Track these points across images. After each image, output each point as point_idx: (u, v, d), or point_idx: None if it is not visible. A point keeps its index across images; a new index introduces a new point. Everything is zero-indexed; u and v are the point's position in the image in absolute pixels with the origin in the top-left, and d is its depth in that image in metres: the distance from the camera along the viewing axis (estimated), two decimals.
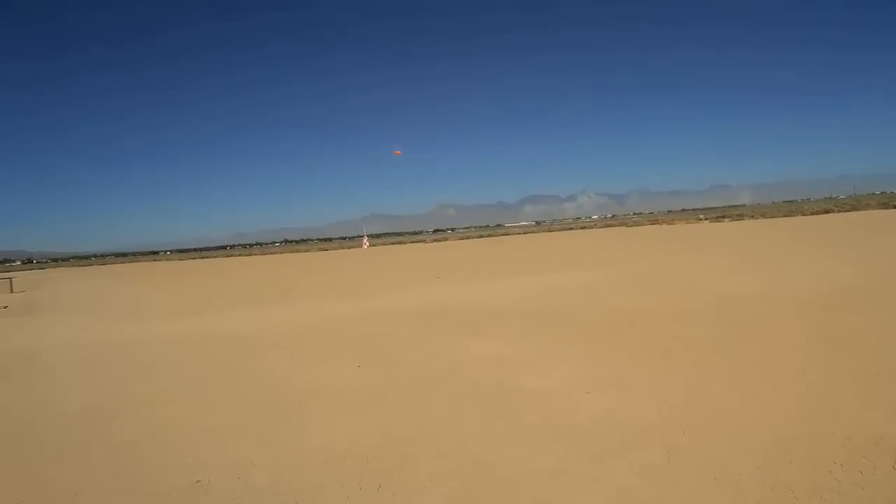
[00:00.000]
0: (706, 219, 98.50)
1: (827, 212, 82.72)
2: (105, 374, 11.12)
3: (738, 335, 10.20)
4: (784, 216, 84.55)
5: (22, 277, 68.68)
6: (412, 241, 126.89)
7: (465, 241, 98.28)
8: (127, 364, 11.96)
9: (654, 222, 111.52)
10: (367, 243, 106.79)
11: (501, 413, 7.04)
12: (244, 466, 5.97)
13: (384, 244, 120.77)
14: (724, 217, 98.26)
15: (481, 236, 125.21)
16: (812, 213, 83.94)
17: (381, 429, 6.78)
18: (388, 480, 5.41)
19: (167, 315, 20.85)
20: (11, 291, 42.37)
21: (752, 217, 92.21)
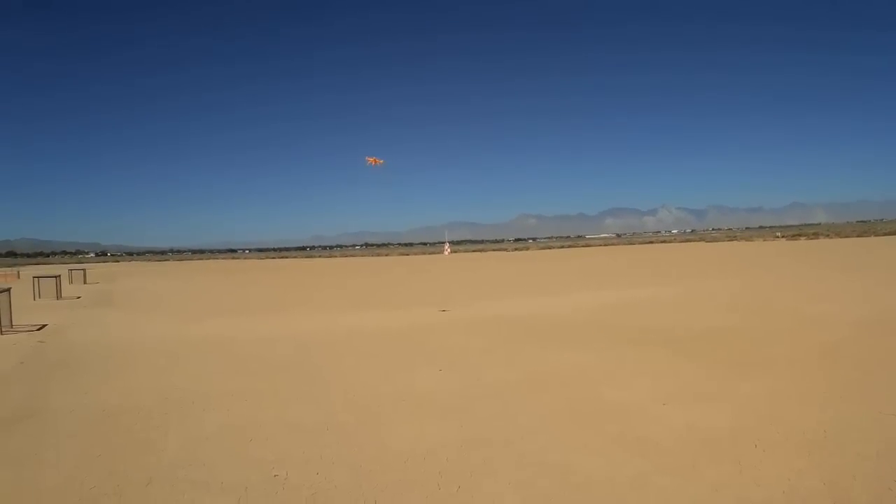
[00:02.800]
0: (783, 236, 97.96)
1: None
2: (181, 369, 11.34)
3: (813, 355, 10.01)
4: (858, 236, 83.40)
5: (95, 270, 71.93)
6: (493, 249, 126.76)
7: (547, 252, 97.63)
8: (204, 360, 12.20)
9: (732, 238, 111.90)
10: (449, 250, 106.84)
11: (581, 423, 7.02)
12: (324, 463, 6.05)
13: (465, 251, 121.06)
14: (800, 235, 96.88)
15: (562, 247, 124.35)
16: (885, 234, 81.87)
17: (462, 433, 6.80)
18: (467, 483, 5.44)
19: (243, 313, 21.32)
20: (85, 283, 45.00)
21: (828, 236, 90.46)
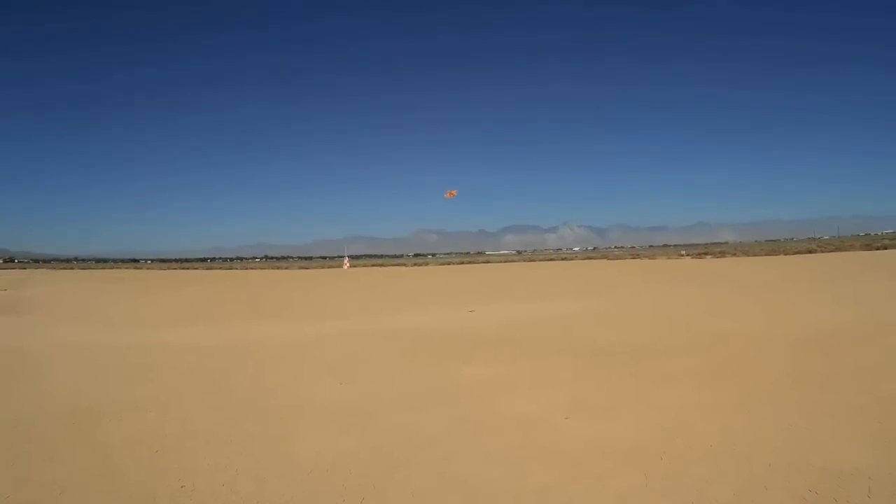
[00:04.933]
0: (688, 255, 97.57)
1: (810, 251, 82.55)
2: (91, 376, 11.16)
3: (721, 369, 10.31)
4: (766, 255, 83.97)
5: (3, 276, 69.58)
6: (393, 264, 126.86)
7: (446, 267, 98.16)
8: (114, 368, 12.04)
9: (636, 256, 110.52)
10: (348, 264, 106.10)
11: (486, 434, 7.14)
12: (230, 473, 6.03)
13: (364, 265, 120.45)
14: (706, 254, 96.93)
15: (462, 262, 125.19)
16: (795, 253, 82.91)
17: (365, 445, 6.85)
18: (371, 494, 5.49)
19: (153, 323, 20.85)
20: None
21: (734, 255, 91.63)
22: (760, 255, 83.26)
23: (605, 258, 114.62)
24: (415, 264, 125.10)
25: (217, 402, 9.02)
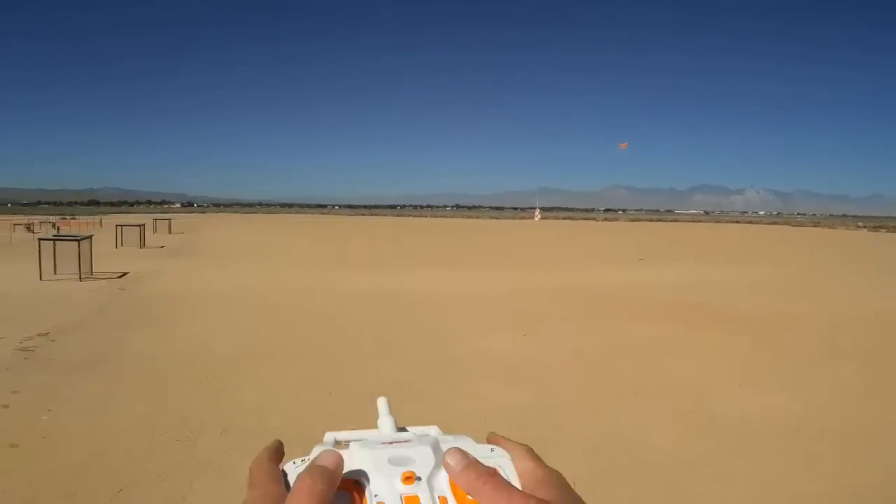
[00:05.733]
0: (864, 227, 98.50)
1: None
2: (260, 319, 11.70)
3: (885, 349, 9.83)
4: None
5: (181, 220, 72.72)
6: (583, 218, 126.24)
7: (635, 224, 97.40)
8: (284, 312, 12.58)
9: (817, 224, 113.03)
10: (539, 216, 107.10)
11: (655, 398, 7.11)
12: (400, 420, 6.28)
13: (556, 217, 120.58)
14: (881, 227, 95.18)
15: (651, 220, 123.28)
16: None
17: (536, 400, 6.99)
18: (538, 450, 5.62)
19: (329, 268, 21.67)
20: (169, 232, 45.38)
21: None
22: None
23: (788, 224, 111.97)
24: (605, 219, 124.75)
25: (390, 351, 9.28)
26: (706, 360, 8.93)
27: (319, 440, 0.52)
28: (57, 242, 18.13)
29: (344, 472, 0.44)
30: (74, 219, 68.50)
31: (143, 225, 34.71)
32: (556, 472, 0.48)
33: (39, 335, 9.79)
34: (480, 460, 0.45)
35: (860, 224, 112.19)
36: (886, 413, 6.63)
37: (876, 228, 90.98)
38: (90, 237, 18.88)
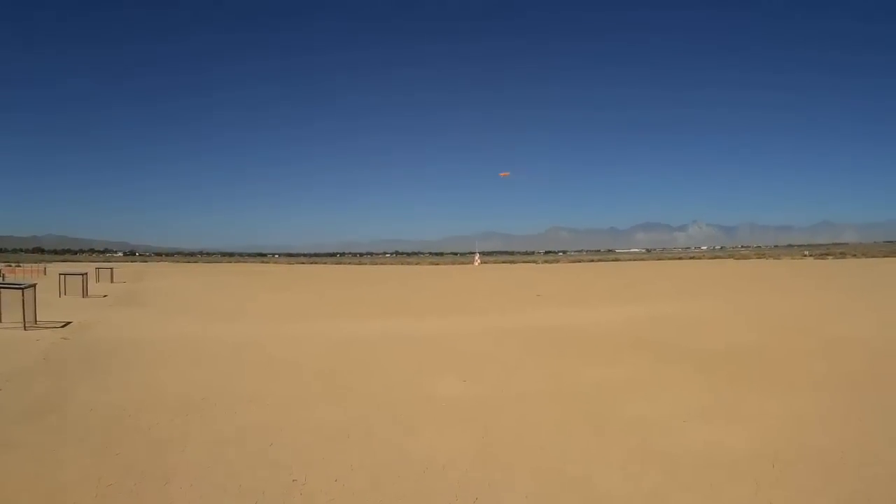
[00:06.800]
0: (811, 255, 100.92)
1: None
2: (205, 369, 11.43)
3: (842, 377, 9.95)
4: (884, 256, 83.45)
5: (123, 269, 71.98)
6: (524, 262, 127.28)
7: (576, 265, 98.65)
8: (229, 361, 12.28)
9: (761, 256, 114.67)
10: (479, 261, 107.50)
11: (604, 436, 7.02)
12: (344, 469, 6.07)
13: (495, 262, 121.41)
14: (828, 255, 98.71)
15: (592, 260, 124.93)
16: None
17: (482, 443, 6.82)
18: (485, 494, 5.46)
19: (274, 318, 21.46)
20: (112, 281, 44.56)
21: (855, 256, 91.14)
22: (879, 257, 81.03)
23: (732, 258, 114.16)
24: (545, 261, 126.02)
25: (337, 397, 9.08)
26: (654, 396, 8.91)
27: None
28: (2, 291, 17.81)
29: None
30: (20, 266, 69.20)
31: (86, 274, 34.18)
32: None
33: None
34: None
35: (806, 253, 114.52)
36: (841, 441, 6.65)
37: (822, 256, 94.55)
38: (34, 286, 18.25)
